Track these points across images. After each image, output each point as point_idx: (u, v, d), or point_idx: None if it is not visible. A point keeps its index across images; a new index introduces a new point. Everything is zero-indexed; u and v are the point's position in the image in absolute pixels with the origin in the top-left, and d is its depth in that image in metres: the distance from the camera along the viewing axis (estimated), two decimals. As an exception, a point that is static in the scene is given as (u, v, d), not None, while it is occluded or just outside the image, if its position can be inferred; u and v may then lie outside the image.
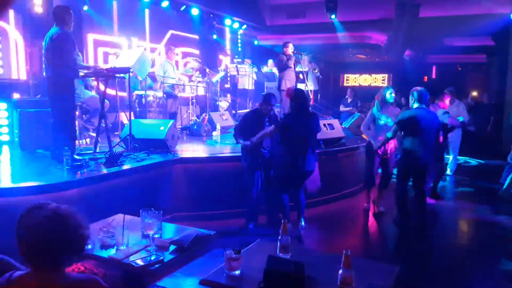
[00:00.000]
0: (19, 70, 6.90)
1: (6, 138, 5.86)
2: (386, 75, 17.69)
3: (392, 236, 5.24)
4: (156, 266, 2.42)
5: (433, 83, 13.78)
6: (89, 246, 2.56)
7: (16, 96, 6.28)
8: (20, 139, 5.72)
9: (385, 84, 17.41)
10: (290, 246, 2.53)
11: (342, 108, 11.28)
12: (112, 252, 2.56)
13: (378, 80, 17.92)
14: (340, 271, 2.06)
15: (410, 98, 4.98)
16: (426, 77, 16.39)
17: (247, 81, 10.59)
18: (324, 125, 6.35)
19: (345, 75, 18.49)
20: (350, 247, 2.22)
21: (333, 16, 10.39)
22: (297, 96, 4.65)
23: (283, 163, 4.66)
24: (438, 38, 12.46)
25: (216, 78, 9.17)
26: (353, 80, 18.34)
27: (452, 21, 10.73)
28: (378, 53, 14.74)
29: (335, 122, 6.90)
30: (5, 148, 5.69)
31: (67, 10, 4.83)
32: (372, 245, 4.96)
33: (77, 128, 5.74)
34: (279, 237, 2.54)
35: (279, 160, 4.75)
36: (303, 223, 4.86)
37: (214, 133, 7.39)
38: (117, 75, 5.48)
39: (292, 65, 7.61)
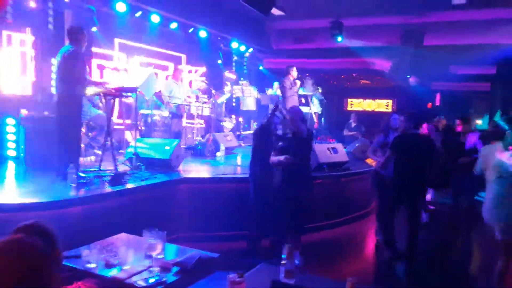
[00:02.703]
0: (28, 86, 7.00)
1: (12, 153, 5.90)
2: (390, 101, 17.78)
3: (397, 263, 5.16)
4: (159, 287, 2.40)
5: (438, 110, 13.84)
6: (93, 265, 2.55)
7: (23, 112, 6.34)
8: (25, 155, 5.76)
9: (389, 110, 17.49)
10: (295, 272, 2.51)
11: (346, 133, 11.31)
12: (114, 272, 2.54)
13: (382, 105, 18.01)
14: (345, 299, 2.04)
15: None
16: (430, 103, 16.47)
17: (251, 102, 10.68)
18: (328, 149, 6.37)
19: (349, 100, 18.61)
20: (353, 273, 2.20)
21: (339, 39, 10.53)
22: (299, 117, 4.56)
23: (280, 187, 4.60)
24: (442, 66, 12.58)
25: (222, 99, 9.25)
26: (357, 104, 18.43)
27: (457, 50, 10.85)
28: (382, 79, 14.86)
29: (339, 146, 6.92)
30: (11, 164, 5.71)
31: (82, 31, 4.98)
32: (376, 272, 4.91)
33: (82, 145, 5.78)
34: (283, 262, 2.52)
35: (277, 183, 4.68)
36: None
37: (218, 154, 7.41)
38: (125, 94, 5.55)
39: (295, 91, 7.69)
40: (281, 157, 4.42)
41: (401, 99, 16.61)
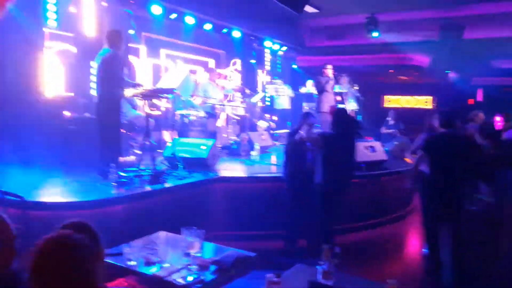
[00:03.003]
0: (69, 89, 7.28)
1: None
2: (430, 97, 17.22)
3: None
4: (198, 285, 2.43)
5: (479, 106, 13.30)
6: (133, 262, 2.61)
7: (66, 114, 6.59)
8: (68, 155, 5.98)
9: (429, 107, 16.96)
10: (333, 273, 2.48)
11: (383, 130, 11.04)
12: (154, 269, 2.60)
13: (421, 102, 17.47)
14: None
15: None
16: (472, 99, 15.85)
17: (285, 101, 10.63)
18: (366, 147, 6.24)
19: (386, 97, 18.17)
20: (391, 275, 2.15)
21: (375, 34, 10.30)
22: (338, 116, 4.60)
23: (324, 184, 4.57)
24: (484, 60, 12.07)
25: (256, 98, 9.27)
26: (394, 101, 17.97)
27: (499, 43, 10.38)
28: (421, 75, 14.42)
29: (377, 144, 6.76)
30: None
31: (119, 34, 5.14)
32: (414, 275, 4.76)
33: (122, 145, 5.94)
34: (321, 263, 2.49)
35: (320, 180, 4.63)
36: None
37: (253, 153, 7.43)
38: (162, 95, 5.67)
39: (330, 89, 7.59)
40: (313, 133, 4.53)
41: (441, 95, 16.06)
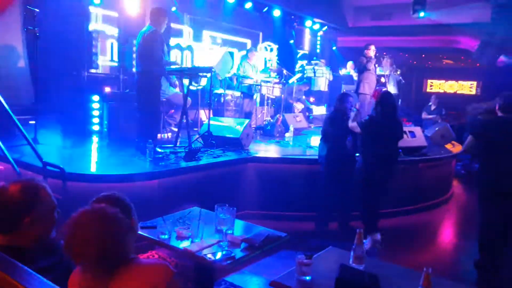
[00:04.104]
0: (111, 65, 7.46)
1: (96, 128, 6.34)
2: (475, 83, 16.44)
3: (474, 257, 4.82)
4: (228, 262, 2.45)
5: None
6: (166, 236, 2.67)
7: (107, 89, 6.77)
8: (108, 130, 6.17)
9: (473, 92, 16.20)
10: (365, 257, 2.43)
11: (424, 116, 10.67)
12: (186, 244, 2.64)
13: (465, 87, 16.71)
14: (419, 290, 1.94)
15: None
16: (521, 86, 14.98)
17: (322, 83, 10.43)
18: (405, 132, 6.05)
19: (429, 81, 17.49)
20: (425, 263, 2.08)
21: (422, 14, 9.83)
22: (384, 99, 4.44)
23: (366, 169, 4.45)
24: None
25: (293, 79, 9.15)
26: (437, 86, 17.28)
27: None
28: (467, 59, 13.74)
29: (417, 130, 6.55)
30: (95, 138, 6.15)
31: (164, 12, 5.14)
32: (450, 263, 4.63)
33: (160, 122, 6.06)
34: (354, 247, 2.45)
35: (362, 166, 4.52)
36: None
37: (287, 134, 7.38)
38: (200, 73, 5.69)
39: (372, 68, 7.35)
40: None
41: (487, 80, 15.28)
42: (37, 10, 5.04)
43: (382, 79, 7.72)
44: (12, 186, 1.75)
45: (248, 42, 10.43)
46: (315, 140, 6.22)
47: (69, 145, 5.44)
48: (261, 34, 10.73)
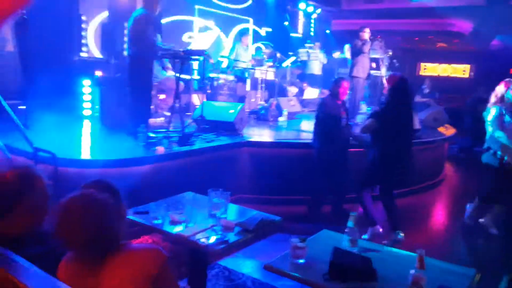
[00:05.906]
0: (101, 49, 7.33)
1: (88, 113, 6.27)
2: (468, 66, 16.43)
3: (469, 239, 4.86)
4: (221, 246, 2.45)
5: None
6: (159, 221, 2.66)
7: (98, 73, 6.68)
8: (100, 114, 6.10)
9: (466, 76, 16.20)
10: (358, 240, 2.44)
11: (418, 99, 10.66)
12: (180, 228, 2.63)
13: (458, 71, 16.70)
14: (412, 271, 1.95)
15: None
16: (513, 69, 15.00)
17: (316, 66, 10.34)
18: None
19: (423, 64, 17.44)
20: (418, 245, 2.09)
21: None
22: (400, 85, 4.21)
23: (384, 161, 4.26)
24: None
25: (287, 63, 9.07)
26: (431, 69, 17.25)
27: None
28: (461, 42, 13.69)
29: (411, 113, 6.54)
30: (87, 123, 6.09)
31: None
32: (442, 245, 4.68)
33: (152, 106, 5.99)
34: (346, 230, 2.46)
35: (378, 157, 4.30)
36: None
37: (280, 119, 7.35)
38: (193, 57, 5.61)
39: (367, 51, 7.30)
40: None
41: (480, 64, 15.27)
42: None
43: (374, 64, 7.66)
44: (9, 172, 1.72)
45: (241, 25, 10.28)
46: (309, 124, 6.21)
47: (60, 130, 5.37)
48: (251, 20, 10.58)
